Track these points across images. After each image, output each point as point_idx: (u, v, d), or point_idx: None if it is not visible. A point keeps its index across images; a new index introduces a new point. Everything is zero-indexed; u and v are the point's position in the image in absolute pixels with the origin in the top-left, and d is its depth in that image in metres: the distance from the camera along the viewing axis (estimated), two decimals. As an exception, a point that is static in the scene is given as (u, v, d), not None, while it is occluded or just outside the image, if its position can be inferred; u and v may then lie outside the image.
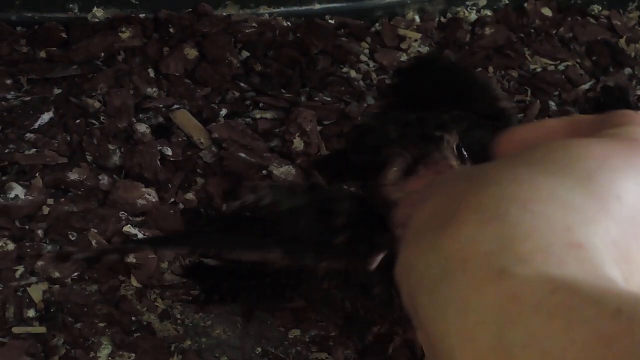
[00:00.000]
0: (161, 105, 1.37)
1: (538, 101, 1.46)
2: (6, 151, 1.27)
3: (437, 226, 0.35)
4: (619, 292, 0.30)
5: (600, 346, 0.28)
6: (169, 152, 1.29)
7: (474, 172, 0.38)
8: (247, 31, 1.48)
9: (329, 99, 1.41)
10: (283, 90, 1.41)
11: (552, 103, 1.46)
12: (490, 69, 1.51)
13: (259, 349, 1.12)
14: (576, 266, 0.31)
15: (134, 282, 1.15)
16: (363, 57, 1.50)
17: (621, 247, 0.33)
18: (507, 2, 1.61)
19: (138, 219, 1.22)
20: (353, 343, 1.12)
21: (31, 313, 1.12)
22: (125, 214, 1.22)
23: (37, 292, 1.13)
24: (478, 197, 0.34)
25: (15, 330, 1.10)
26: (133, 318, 1.13)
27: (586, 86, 1.50)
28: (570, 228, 0.33)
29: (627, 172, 0.35)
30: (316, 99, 1.41)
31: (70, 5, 1.46)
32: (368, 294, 0.94)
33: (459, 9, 1.60)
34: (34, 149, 1.28)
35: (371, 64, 1.49)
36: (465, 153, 0.85)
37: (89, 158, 1.28)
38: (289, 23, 1.52)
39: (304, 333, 1.13)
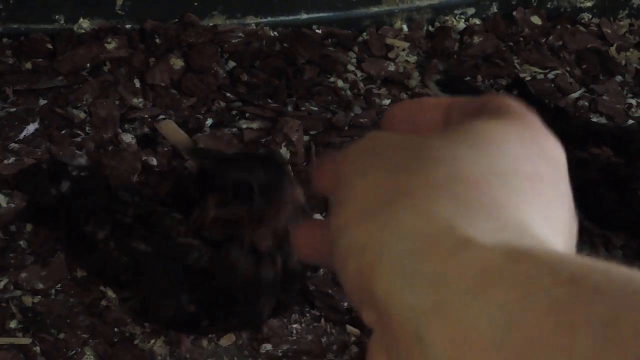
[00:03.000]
0: (147, 116, 1.36)
1: (527, 110, 1.45)
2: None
3: (388, 202, 0.35)
4: (570, 261, 0.31)
5: (555, 312, 0.29)
6: (154, 162, 1.29)
7: (412, 146, 0.39)
8: (233, 41, 1.48)
9: (316, 108, 1.41)
10: (269, 100, 1.41)
11: (541, 111, 1.46)
12: (479, 77, 1.50)
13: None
14: (530, 240, 0.33)
15: (110, 293, 1.14)
16: (350, 67, 1.49)
17: (553, 222, 0.36)
18: (496, 10, 1.61)
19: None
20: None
21: (14, 324, 1.11)
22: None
23: (20, 303, 1.13)
24: (429, 175, 0.35)
25: (-1, 341, 1.09)
26: (116, 329, 1.12)
27: (576, 94, 1.50)
28: (519, 207, 0.35)
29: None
30: (303, 108, 1.40)
31: (56, 17, 1.46)
32: None
33: (447, 17, 1.59)
34: (15, 158, 1.27)
35: (359, 73, 1.49)
36: None
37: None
38: (275, 33, 1.52)
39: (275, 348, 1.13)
